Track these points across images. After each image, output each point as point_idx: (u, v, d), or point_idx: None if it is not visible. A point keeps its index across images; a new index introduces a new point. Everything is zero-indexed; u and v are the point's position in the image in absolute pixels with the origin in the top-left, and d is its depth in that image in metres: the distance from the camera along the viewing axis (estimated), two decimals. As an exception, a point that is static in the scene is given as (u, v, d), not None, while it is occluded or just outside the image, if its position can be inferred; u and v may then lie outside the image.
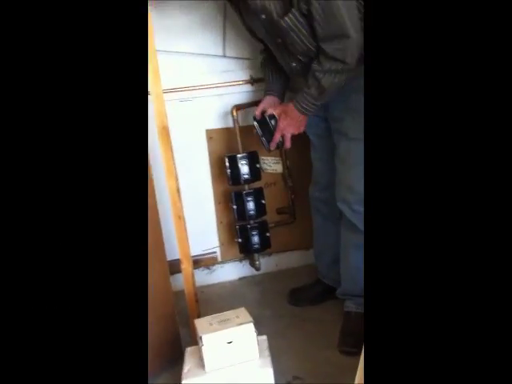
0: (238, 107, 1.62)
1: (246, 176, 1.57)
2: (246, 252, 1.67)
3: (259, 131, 1.43)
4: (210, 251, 1.85)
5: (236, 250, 1.85)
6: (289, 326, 1.55)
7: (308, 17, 1.15)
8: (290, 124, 1.36)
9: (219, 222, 1.84)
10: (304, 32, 1.19)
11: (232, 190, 1.68)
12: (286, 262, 1.92)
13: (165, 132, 1.29)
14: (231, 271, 1.89)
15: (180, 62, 1.67)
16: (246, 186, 1.61)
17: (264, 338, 1.21)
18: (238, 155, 1.55)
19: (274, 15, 1.17)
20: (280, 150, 1.81)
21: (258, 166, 1.60)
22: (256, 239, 1.62)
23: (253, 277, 1.89)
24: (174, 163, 1.32)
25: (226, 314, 1.20)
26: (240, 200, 1.60)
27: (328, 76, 1.20)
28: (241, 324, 1.14)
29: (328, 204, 1.54)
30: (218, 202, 1.82)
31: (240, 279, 1.90)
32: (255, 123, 1.44)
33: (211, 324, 1.15)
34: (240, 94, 1.75)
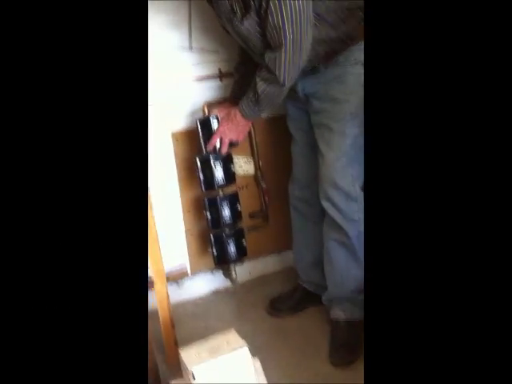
0: (210, 104, 1.47)
1: (220, 180, 1.42)
2: (222, 263, 1.52)
3: (200, 131, 1.38)
4: (178, 264, 1.68)
5: (207, 261, 1.70)
6: (272, 339, 1.43)
7: (262, 21, 1.12)
8: (230, 129, 1.31)
9: (188, 232, 1.67)
10: (258, 36, 1.16)
11: (202, 195, 1.52)
12: (259, 268, 1.79)
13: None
14: (202, 284, 1.73)
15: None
16: (220, 191, 1.46)
17: (257, 361, 1.08)
18: (212, 156, 1.39)
19: (237, 17, 1.15)
20: (252, 149, 1.69)
21: (231, 168, 1.46)
22: (232, 248, 1.48)
23: (226, 288, 1.74)
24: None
25: (214, 340, 1.05)
26: (214, 207, 1.45)
27: (262, 83, 1.18)
28: (234, 350, 1.00)
29: (308, 203, 1.47)
30: (186, 211, 1.66)
31: (213, 292, 1.74)
32: (197, 122, 1.38)
33: (199, 353, 1.00)
34: (208, 90, 1.60)
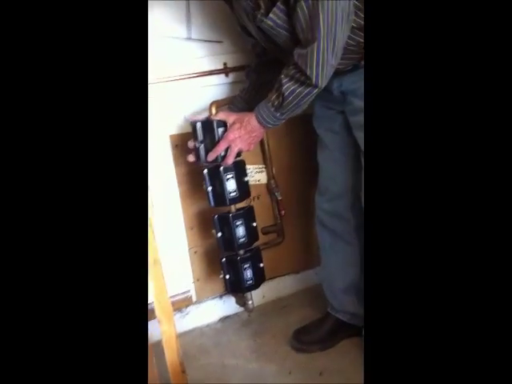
0: (219, 103, 1.24)
1: (233, 194, 1.20)
2: (237, 291, 1.30)
3: (200, 136, 1.14)
4: (182, 291, 1.45)
5: (214, 285, 1.48)
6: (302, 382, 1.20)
7: (291, 10, 0.95)
8: (242, 137, 1.11)
9: (192, 252, 1.44)
10: (285, 31, 0.99)
11: (209, 210, 1.30)
12: (275, 290, 1.57)
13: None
14: (209, 311, 1.50)
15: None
16: (233, 207, 1.23)
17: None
18: (223, 167, 1.17)
19: (261, 11, 0.98)
20: (264, 155, 1.47)
21: (245, 178, 1.23)
22: (249, 274, 1.25)
23: (237, 315, 1.52)
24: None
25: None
26: (226, 225, 1.22)
27: (290, 83, 0.99)
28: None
29: (339, 218, 1.26)
30: (189, 228, 1.43)
31: (221, 320, 1.51)
32: (198, 125, 1.14)
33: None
34: (212, 87, 1.37)
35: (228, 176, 1.19)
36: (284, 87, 1.00)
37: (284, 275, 1.59)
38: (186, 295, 1.45)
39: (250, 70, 1.27)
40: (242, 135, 1.10)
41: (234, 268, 1.25)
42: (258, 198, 1.49)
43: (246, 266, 1.25)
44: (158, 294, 1.00)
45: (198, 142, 1.15)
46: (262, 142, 1.43)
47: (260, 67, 1.24)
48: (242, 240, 1.23)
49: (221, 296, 1.50)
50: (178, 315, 1.45)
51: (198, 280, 1.46)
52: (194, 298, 1.47)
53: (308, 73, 0.95)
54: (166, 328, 1.04)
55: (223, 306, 1.51)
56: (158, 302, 1.01)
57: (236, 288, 1.27)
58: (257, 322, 1.47)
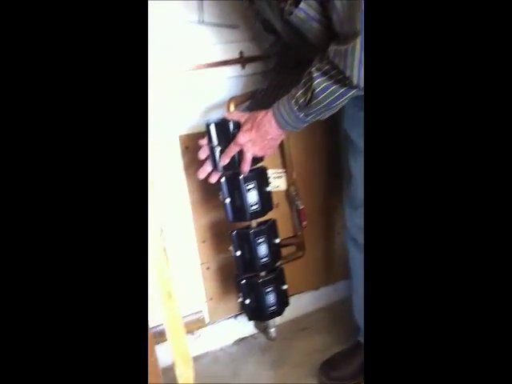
0: (238, 100, 1.05)
1: (254, 207, 1.02)
2: (258, 318, 1.13)
3: (214, 139, 0.97)
4: (193, 311, 1.29)
5: (229, 305, 1.31)
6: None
7: (327, 4, 0.79)
8: (255, 141, 0.93)
9: (205, 268, 1.27)
10: (317, 24, 0.84)
11: (227, 222, 1.12)
12: (293, 308, 1.40)
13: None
14: (223, 333, 1.34)
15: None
16: (254, 222, 1.06)
17: None
18: (243, 176, 0.99)
19: (289, 4, 0.83)
20: (283, 159, 1.29)
21: (268, 189, 1.06)
22: (272, 298, 1.08)
23: (253, 337, 1.36)
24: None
25: None
26: (246, 243, 1.05)
27: (322, 77, 0.82)
28: None
29: None
30: (201, 241, 1.25)
31: (236, 343, 1.35)
32: (212, 126, 0.97)
33: None
34: (226, 80, 1.19)
35: (249, 186, 1.01)
36: (315, 82, 0.82)
37: (303, 292, 1.43)
38: (198, 316, 1.29)
39: (269, 69, 1.09)
40: (254, 138, 0.92)
41: (254, 292, 1.08)
42: (276, 206, 1.31)
43: (268, 289, 1.08)
44: (173, 334, 0.84)
45: (213, 146, 0.98)
46: (281, 143, 1.25)
47: (280, 67, 1.07)
48: (264, 260, 1.06)
49: (236, 316, 1.34)
50: (189, 338, 1.29)
51: (211, 299, 1.29)
52: (207, 319, 1.30)
53: (347, 73, 0.77)
54: (183, 370, 0.88)
55: (238, 327, 1.35)
56: (173, 342, 0.84)
57: (257, 315, 1.11)
58: (276, 347, 1.30)
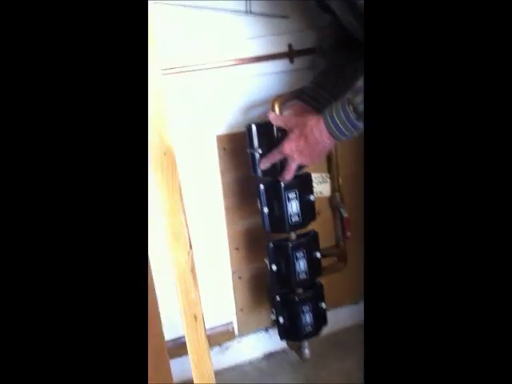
0: (283, 99, 0.95)
1: (295, 218, 0.92)
2: (291, 339, 1.04)
3: (255, 142, 0.89)
4: (223, 322, 1.21)
5: (260, 316, 1.22)
6: None
7: None
8: (302, 150, 0.83)
9: (236, 278, 1.19)
10: None
11: (265, 235, 1.03)
12: (331, 323, 1.30)
13: (169, 161, 0.62)
14: (253, 346, 1.25)
15: (177, 21, 0.99)
16: (293, 234, 0.96)
17: None
18: (284, 182, 0.89)
19: None
20: (329, 164, 1.18)
21: (312, 198, 0.95)
22: (308, 318, 0.99)
23: (285, 352, 1.27)
24: (184, 214, 0.66)
25: None
26: (283, 257, 0.96)
27: None
28: None
29: None
30: (234, 248, 1.17)
31: (266, 357, 1.27)
32: (253, 128, 0.89)
33: None
34: (272, 75, 1.09)
35: (290, 195, 0.91)
36: None
37: (342, 306, 1.32)
38: (227, 328, 1.21)
39: (328, 47, 0.98)
40: (302, 148, 0.82)
41: (289, 310, 0.99)
42: (318, 213, 1.21)
43: (305, 308, 0.98)
44: (197, 358, 0.75)
45: (254, 150, 0.89)
46: (328, 146, 1.15)
47: (339, 44, 0.96)
48: (302, 276, 0.96)
49: (266, 329, 1.25)
50: (217, 349, 1.21)
51: (241, 310, 1.21)
52: (236, 331, 1.22)
53: None
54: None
55: (269, 341, 1.26)
56: (197, 370, 0.76)
57: (291, 335, 1.02)
58: (308, 363, 1.20)
